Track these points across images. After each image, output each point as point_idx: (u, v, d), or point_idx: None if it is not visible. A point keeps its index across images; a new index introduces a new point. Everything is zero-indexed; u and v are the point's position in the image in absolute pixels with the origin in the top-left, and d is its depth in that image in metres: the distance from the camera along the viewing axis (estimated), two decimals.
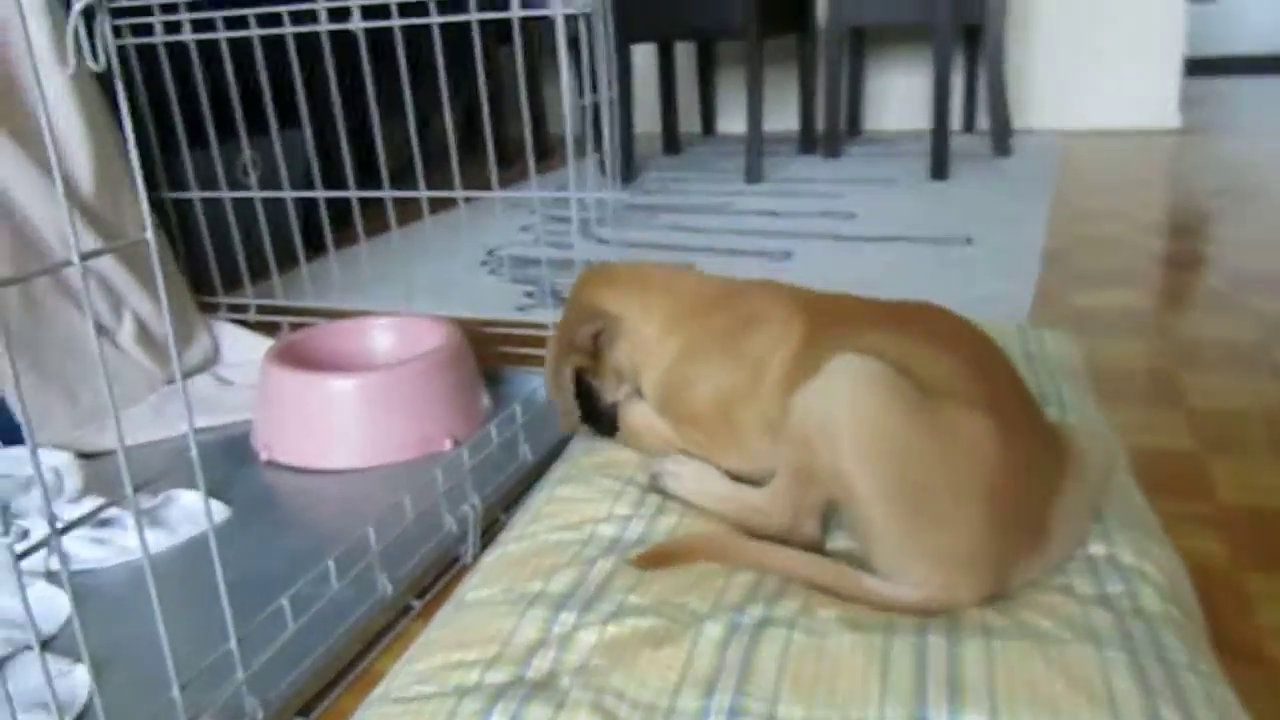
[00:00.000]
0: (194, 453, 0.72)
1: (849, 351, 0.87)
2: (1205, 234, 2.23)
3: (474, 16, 1.37)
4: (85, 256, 0.64)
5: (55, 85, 1.46)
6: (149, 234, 0.69)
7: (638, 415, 1.10)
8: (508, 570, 0.89)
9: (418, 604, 1.01)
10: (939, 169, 2.96)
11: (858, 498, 0.83)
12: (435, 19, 1.40)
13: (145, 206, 0.70)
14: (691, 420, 1.05)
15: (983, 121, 3.65)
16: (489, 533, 1.13)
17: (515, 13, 1.33)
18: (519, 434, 1.23)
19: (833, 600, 0.83)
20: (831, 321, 0.98)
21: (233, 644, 0.77)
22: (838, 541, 0.93)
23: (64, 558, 0.62)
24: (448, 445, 1.31)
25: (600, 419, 1.12)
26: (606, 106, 1.36)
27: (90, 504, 1.21)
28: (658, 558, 0.89)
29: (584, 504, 0.99)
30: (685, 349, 1.06)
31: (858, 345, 0.89)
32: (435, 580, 1.04)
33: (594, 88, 1.38)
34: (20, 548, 0.60)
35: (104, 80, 1.66)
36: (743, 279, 1.12)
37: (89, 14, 0.60)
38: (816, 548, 0.91)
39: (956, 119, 3.71)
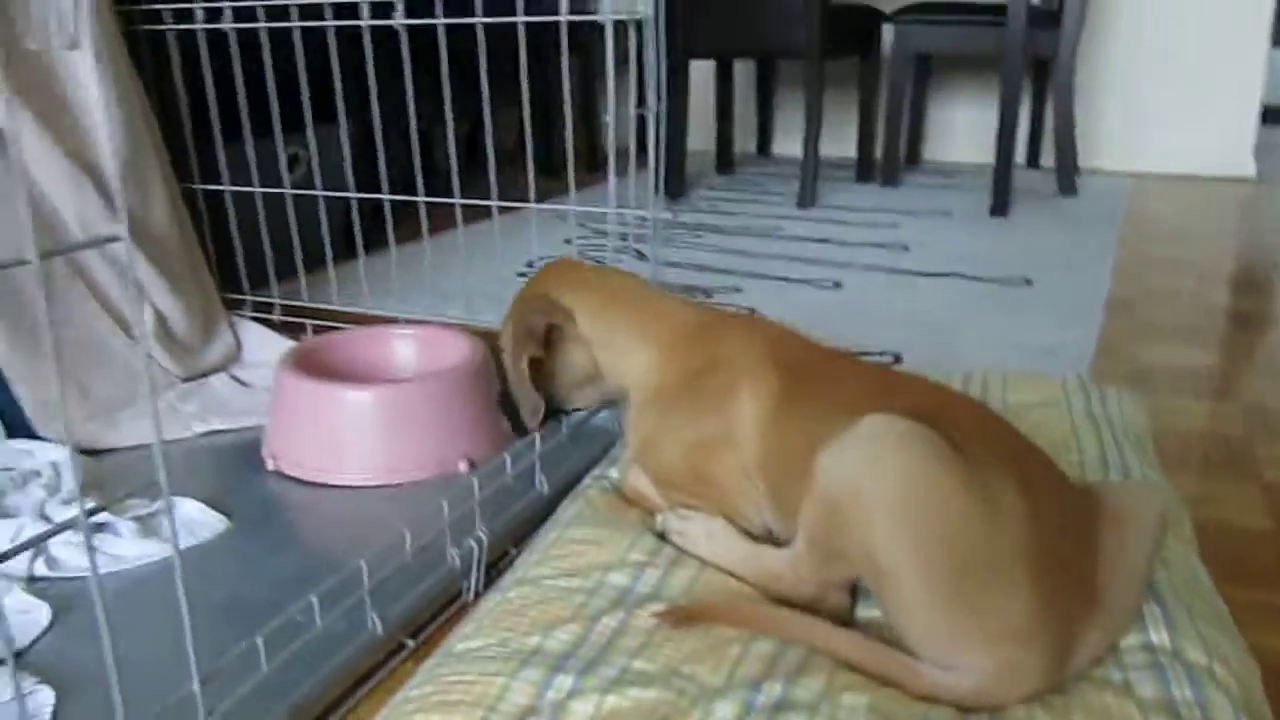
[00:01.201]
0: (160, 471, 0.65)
1: (878, 415, 0.79)
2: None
3: (520, 20, 1.31)
4: (106, 241, 0.57)
5: (89, 74, 1.42)
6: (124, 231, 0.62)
7: (632, 479, 1.05)
8: (504, 619, 0.82)
9: (411, 643, 0.94)
10: (1000, 205, 2.85)
11: (894, 574, 0.74)
12: (480, 19, 1.33)
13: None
14: (669, 483, 0.99)
15: (1047, 158, 3.53)
16: (496, 565, 1.05)
17: (564, 17, 1.27)
18: (536, 463, 1.16)
19: (862, 682, 0.74)
20: (810, 378, 0.92)
21: (195, 686, 0.70)
22: (870, 610, 0.85)
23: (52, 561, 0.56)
24: (463, 467, 1.24)
25: (522, 415, 1.09)
26: (653, 119, 1.28)
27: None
28: (678, 617, 0.81)
29: (595, 547, 0.92)
30: (654, 396, 1.02)
31: (845, 409, 0.83)
32: (433, 618, 0.97)
33: (643, 100, 1.30)
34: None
35: (140, 69, 1.62)
36: (717, 312, 1.07)
37: None
38: (844, 618, 0.83)
39: (1020, 153, 3.59)
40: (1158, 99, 3.54)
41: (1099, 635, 0.77)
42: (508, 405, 1.13)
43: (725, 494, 0.95)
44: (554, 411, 1.12)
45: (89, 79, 1.40)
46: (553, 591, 0.85)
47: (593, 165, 3.58)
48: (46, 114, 1.38)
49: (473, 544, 1.00)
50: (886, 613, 0.78)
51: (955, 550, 0.73)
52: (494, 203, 1.49)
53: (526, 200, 1.49)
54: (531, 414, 1.07)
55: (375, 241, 1.79)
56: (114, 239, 0.61)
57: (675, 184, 3.14)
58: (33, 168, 1.37)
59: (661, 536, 0.95)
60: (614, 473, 1.10)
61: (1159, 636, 0.79)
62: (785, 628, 0.80)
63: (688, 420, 0.97)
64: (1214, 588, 0.91)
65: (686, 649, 0.77)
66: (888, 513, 0.74)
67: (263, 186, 1.66)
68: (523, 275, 2.20)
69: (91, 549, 0.63)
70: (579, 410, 1.18)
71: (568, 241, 2.51)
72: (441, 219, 1.68)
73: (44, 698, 0.85)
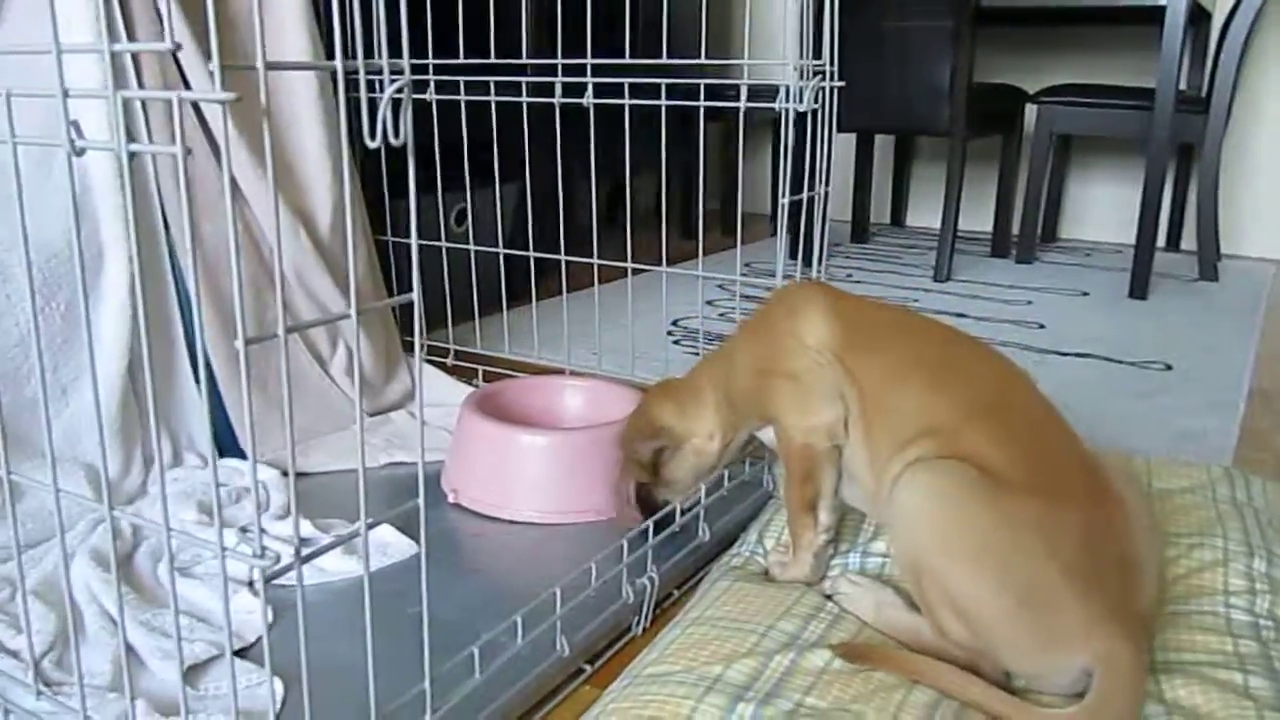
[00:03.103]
0: (420, 502, 0.77)
1: (909, 470, 0.93)
2: None
3: (702, 105, 1.43)
4: (360, 310, 0.70)
5: (314, 136, 1.58)
6: (416, 294, 0.74)
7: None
8: (688, 650, 0.91)
9: (589, 668, 1.03)
10: (1139, 287, 2.85)
11: (971, 614, 0.86)
12: (664, 102, 1.46)
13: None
14: (759, 399, 1.10)
15: (1188, 240, 3.51)
16: (661, 605, 1.15)
17: (743, 104, 1.38)
18: (701, 513, 1.25)
19: None
20: (876, 340, 1.06)
21: (426, 684, 0.81)
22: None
23: (302, 583, 0.67)
24: None
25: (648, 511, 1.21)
26: (820, 202, 1.38)
27: (299, 523, 1.29)
28: (855, 653, 0.90)
29: (762, 599, 1.00)
30: (726, 364, 1.16)
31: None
32: (607, 648, 1.07)
33: (808, 184, 1.40)
34: (270, 570, 0.65)
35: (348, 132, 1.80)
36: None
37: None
38: (1001, 683, 0.89)
39: (1160, 235, 3.58)
40: None
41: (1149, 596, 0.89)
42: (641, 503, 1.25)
43: (798, 379, 1.06)
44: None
45: (312, 127, 1.56)
46: (727, 630, 0.93)
47: (726, 231, 3.69)
48: (279, 175, 1.55)
49: (645, 583, 1.10)
50: (993, 651, 0.88)
51: (998, 563, 0.85)
52: (663, 269, 1.60)
53: (685, 259, 1.60)
54: (622, 519, 1.22)
55: (542, 292, 1.92)
56: (344, 316, 0.73)
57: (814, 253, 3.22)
58: (256, 212, 1.54)
59: (829, 598, 1.02)
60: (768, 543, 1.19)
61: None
62: (940, 679, 0.87)
63: (751, 343, 1.13)
64: None
65: (853, 691, 0.85)
66: (943, 556, 0.87)
67: (442, 237, 1.82)
68: (670, 334, 2.32)
69: (366, 556, 0.74)
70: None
71: (709, 303, 2.61)
72: (604, 273, 1.80)
73: (276, 688, 0.98)
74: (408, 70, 0.66)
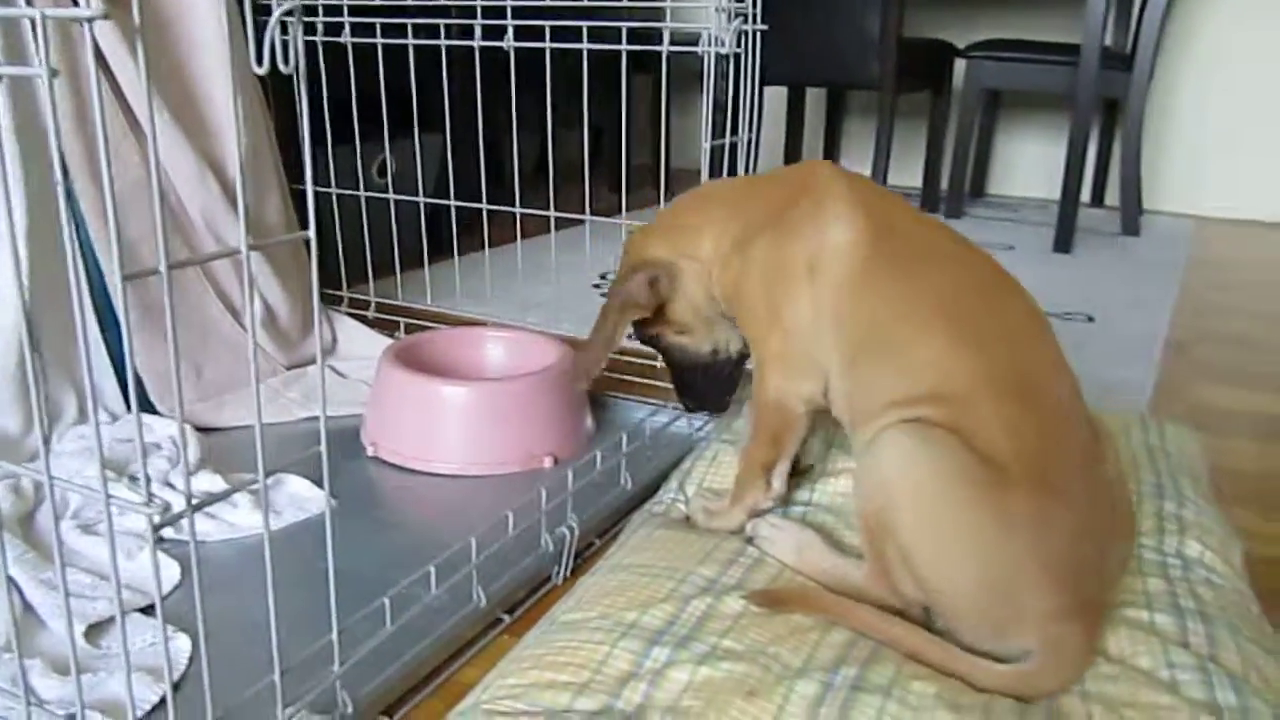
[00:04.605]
0: (324, 449, 0.74)
1: (899, 426, 0.87)
2: None
3: (624, 48, 1.40)
4: (252, 247, 0.66)
5: (219, 77, 1.52)
6: (310, 231, 0.71)
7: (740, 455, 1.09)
8: (604, 597, 0.89)
9: (507, 618, 1.02)
10: (1063, 241, 2.90)
11: (934, 585, 0.84)
12: (586, 45, 1.42)
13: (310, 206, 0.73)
14: (752, 320, 1.02)
15: (1112, 196, 3.56)
16: (581, 556, 1.13)
17: (665, 48, 1.35)
18: (621, 462, 1.24)
19: (928, 673, 0.81)
20: (901, 260, 0.94)
21: (334, 636, 0.79)
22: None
23: (194, 533, 0.65)
24: (548, 464, 1.32)
25: (705, 393, 1.12)
26: (744, 147, 1.36)
27: (206, 477, 1.25)
28: (769, 598, 0.89)
29: (682, 545, 0.99)
30: (732, 227, 1.04)
31: (926, 351, 0.89)
32: (526, 597, 1.05)
33: (731, 129, 1.38)
34: (158, 519, 0.62)
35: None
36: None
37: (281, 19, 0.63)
38: (927, 625, 0.89)
39: (1085, 191, 3.63)
40: (1224, 143, 3.55)
41: (1117, 565, 0.90)
42: (689, 391, 1.15)
43: (790, 339, 0.98)
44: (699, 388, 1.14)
45: (221, 75, 1.50)
46: (646, 576, 0.92)
47: (657, 183, 3.66)
48: (178, 108, 1.49)
49: (565, 532, 1.08)
50: (939, 615, 0.86)
51: (978, 558, 0.82)
52: (587, 217, 1.58)
53: (612, 212, 1.57)
54: (584, 374, 1.10)
55: (464, 246, 1.88)
56: (236, 252, 0.69)
57: None
58: (164, 160, 1.48)
59: (749, 541, 1.02)
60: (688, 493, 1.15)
61: (1198, 646, 0.85)
62: (860, 620, 0.87)
63: (769, 244, 0.99)
64: (1263, 617, 0.96)
65: (769, 633, 0.84)
66: (914, 530, 0.84)
67: (364, 185, 1.77)
68: (598, 286, 2.30)
69: (265, 508, 0.71)
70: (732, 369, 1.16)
71: None
72: (532, 226, 1.77)
73: (182, 644, 0.95)
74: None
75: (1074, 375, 0.91)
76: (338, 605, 0.81)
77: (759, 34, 1.28)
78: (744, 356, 1.13)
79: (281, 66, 0.63)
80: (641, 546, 0.99)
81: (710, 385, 1.12)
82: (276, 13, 0.61)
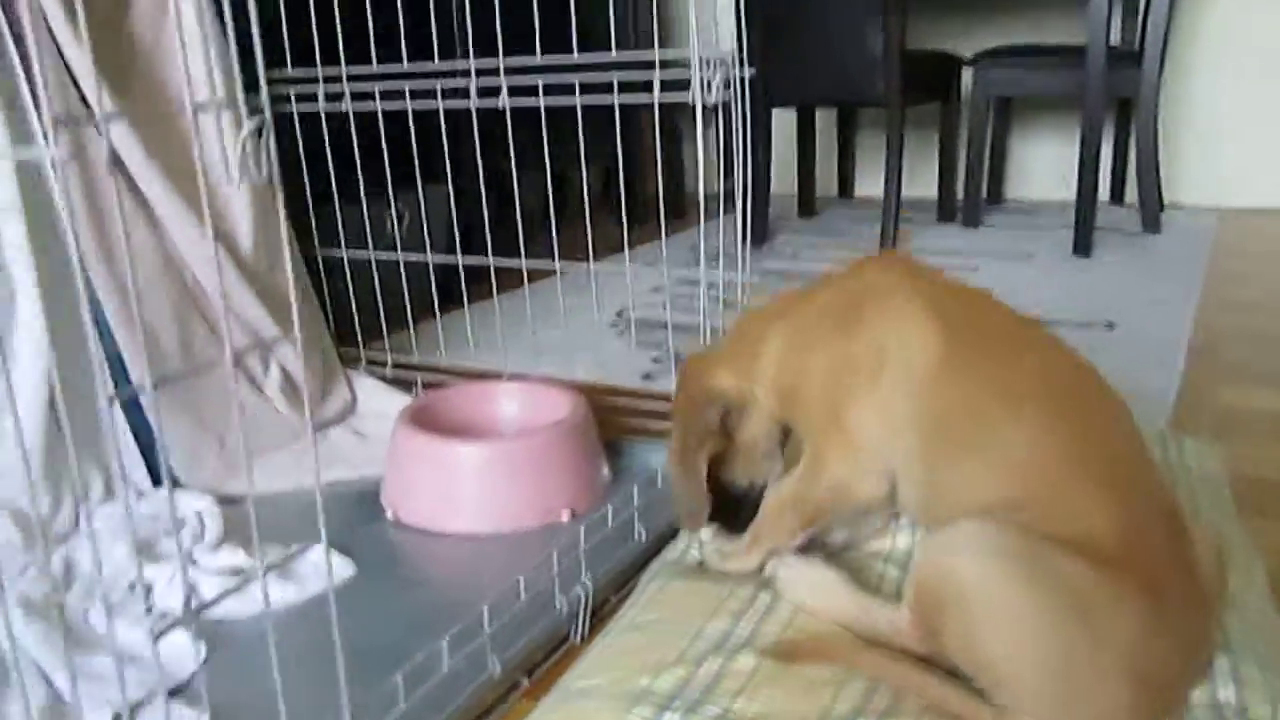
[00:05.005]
0: (320, 518, 0.76)
1: (973, 519, 0.83)
2: None
3: (616, 99, 1.41)
4: (237, 347, 0.68)
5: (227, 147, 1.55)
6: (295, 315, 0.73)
7: (771, 496, 1.05)
8: (616, 661, 0.90)
9: (526, 681, 1.03)
10: (1083, 245, 2.87)
11: (995, 675, 0.79)
12: (579, 99, 1.44)
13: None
14: (809, 420, 0.99)
15: (1132, 193, 3.53)
16: (599, 612, 1.14)
17: (656, 97, 1.37)
18: (635, 515, 1.25)
19: None
20: (977, 356, 0.91)
21: (346, 717, 0.80)
22: None
23: (197, 637, 0.66)
24: (566, 517, 1.33)
25: (735, 512, 1.09)
26: (739, 190, 1.37)
27: (229, 552, 1.28)
28: (785, 652, 0.89)
29: (694, 597, 1.00)
30: (793, 339, 1.00)
31: (1003, 444, 0.86)
32: (544, 659, 1.06)
33: (729, 171, 1.39)
34: (157, 629, 0.64)
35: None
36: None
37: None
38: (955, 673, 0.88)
39: (1103, 189, 3.59)
40: (1242, 133, 3.51)
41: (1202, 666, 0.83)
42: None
43: (852, 447, 0.94)
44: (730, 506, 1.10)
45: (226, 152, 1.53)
46: (657, 636, 0.93)
47: (679, 212, 3.67)
48: (187, 193, 1.52)
49: (579, 591, 1.09)
50: (995, 695, 0.81)
51: (1049, 659, 0.77)
52: (592, 265, 1.59)
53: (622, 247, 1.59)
54: (691, 517, 1.06)
55: (478, 293, 1.90)
56: (277, 340, 0.71)
57: (759, 231, 3.22)
58: (179, 242, 1.51)
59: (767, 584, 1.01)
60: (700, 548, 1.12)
61: (1225, 691, 0.84)
62: (882, 666, 0.86)
63: (829, 343, 0.96)
64: None
65: (783, 689, 0.84)
66: (985, 620, 0.79)
67: (373, 241, 1.79)
68: (614, 325, 2.31)
69: (266, 597, 0.73)
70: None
71: (655, 290, 2.60)
72: (539, 269, 1.78)
73: None
74: (267, 107, 0.64)
75: (1155, 464, 0.89)
76: (357, 678, 0.82)
77: (746, 81, 1.29)
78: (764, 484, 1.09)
79: (255, 179, 0.65)
80: (654, 602, 1.00)
81: (741, 514, 1.08)
82: (246, 127, 0.63)
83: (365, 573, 1.24)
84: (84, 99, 1.39)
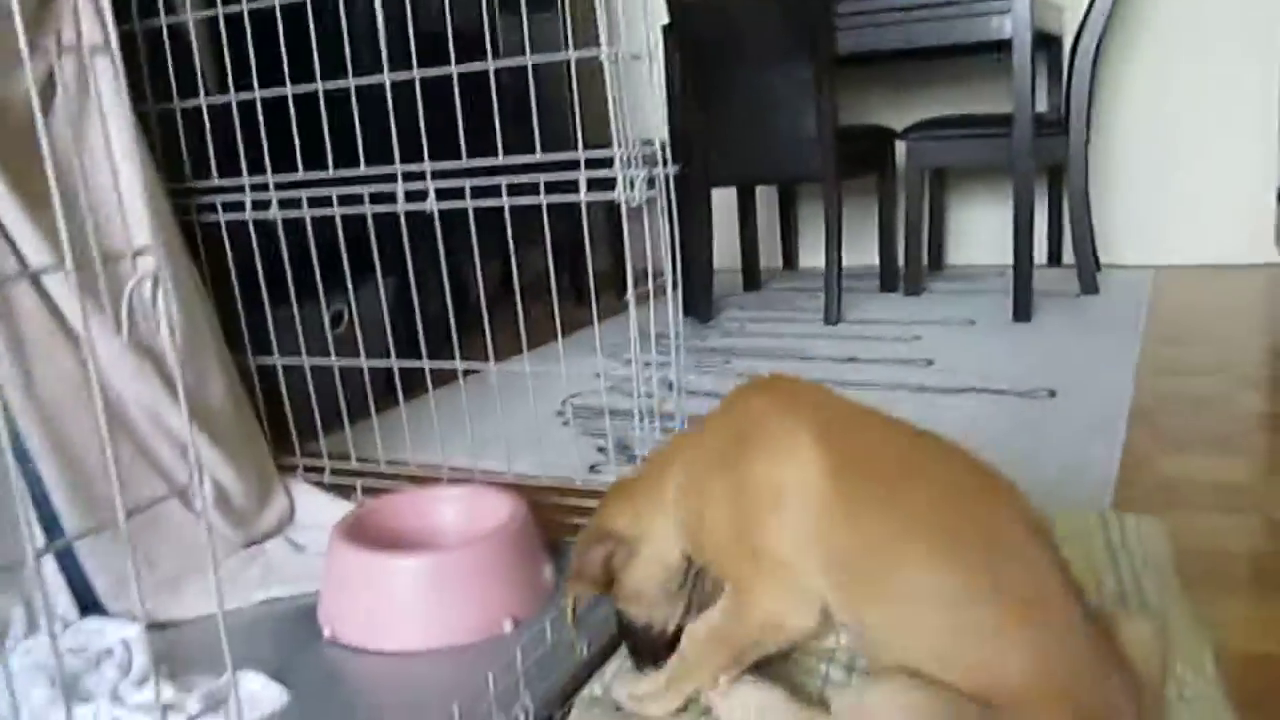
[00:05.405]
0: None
1: (894, 681, 0.81)
2: None
3: (543, 199, 1.41)
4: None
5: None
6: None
7: (691, 636, 1.02)
8: None
9: None
10: (1022, 310, 2.91)
11: None
12: (506, 200, 1.44)
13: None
14: (722, 555, 0.96)
15: (1069, 254, 3.60)
16: None
17: (583, 196, 1.37)
18: (575, 628, 1.21)
19: None
20: (864, 473, 0.89)
21: None
22: None
23: None
24: (508, 627, 1.30)
25: (640, 650, 1.07)
26: (669, 281, 1.37)
27: (153, 687, 1.22)
28: None
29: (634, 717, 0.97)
30: (689, 478, 0.99)
31: (907, 591, 0.83)
32: None
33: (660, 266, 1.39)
34: None
35: (193, 250, 1.75)
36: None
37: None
38: None
39: (1041, 252, 3.66)
40: (1174, 190, 3.60)
41: None
42: (627, 641, 1.12)
43: (782, 568, 0.91)
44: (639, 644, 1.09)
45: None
46: None
47: (621, 293, 3.68)
48: (109, 303, 1.49)
49: (520, 714, 1.06)
50: None
51: None
52: (527, 367, 1.58)
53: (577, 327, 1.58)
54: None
55: (415, 387, 1.87)
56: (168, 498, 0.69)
57: (704, 308, 3.23)
58: (100, 356, 1.47)
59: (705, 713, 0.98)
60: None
61: None
62: None
63: (727, 484, 0.94)
64: None
65: None
66: None
67: (308, 342, 1.77)
68: (560, 413, 2.29)
69: None
70: None
71: (597, 375, 2.59)
72: (478, 356, 1.76)
73: None
74: (160, 261, 0.62)
75: (1073, 577, 0.85)
76: None
77: (671, 179, 1.30)
78: (677, 636, 1.05)
79: (158, 335, 0.63)
80: None
81: (643, 648, 1.07)
82: (133, 280, 0.61)
83: (299, 700, 1.20)
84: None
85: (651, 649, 1.06)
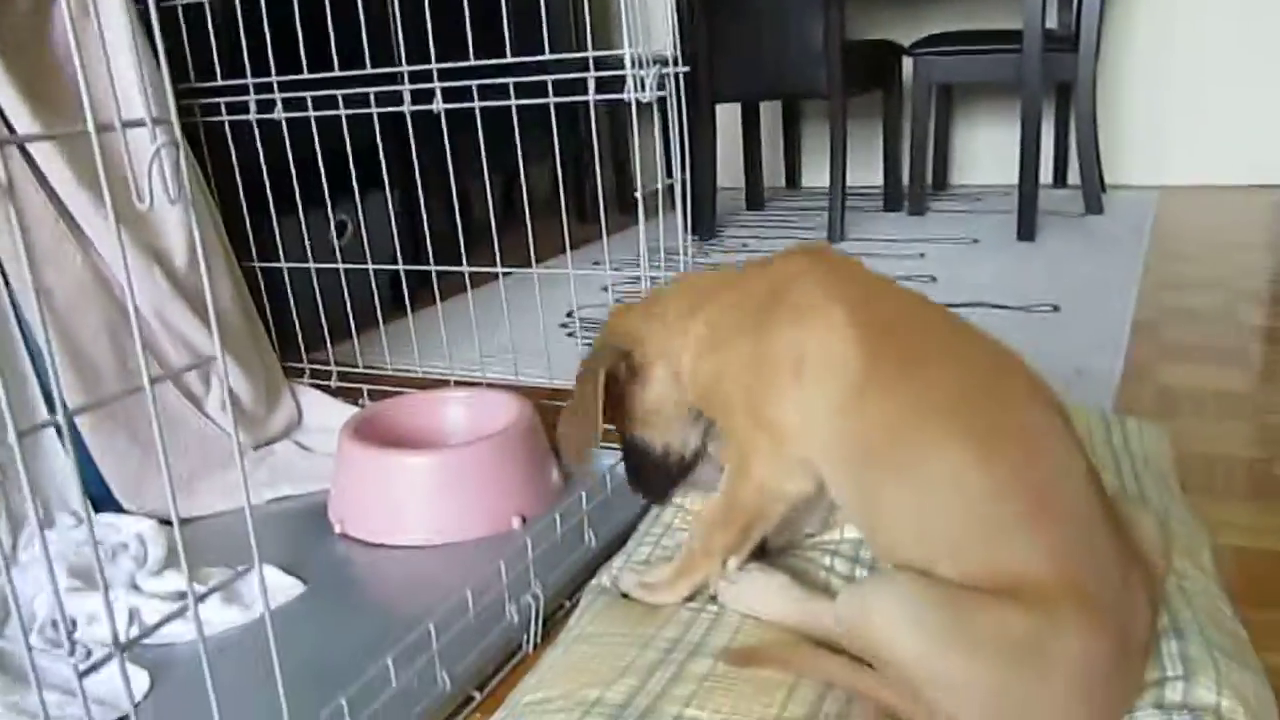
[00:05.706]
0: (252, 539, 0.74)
1: (896, 577, 0.81)
2: None
3: (551, 100, 1.40)
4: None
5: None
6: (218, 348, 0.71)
7: (699, 518, 1.05)
8: (566, 674, 0.89)
9: (479, 695, 1.01)
10: (1026, 229, 2.90)
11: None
12: (514, 101, 1.43)
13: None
14: (729, 417, 0.96)
15: (1074, 175, 3.57)
16: (552, 618, 1.13)
17: (591, 97, 1.35)
18: (584, 519, 1.24)
19: None
20: (895, 351, 0.87)
21: None
22: None
23: (127, 680, 0.64)
24: (515, 524, 1.32)
25: (652, 481, 1.08)
26: (679, 187, 1.37)
27: (173, 577, 1.25)
28: (743, 657, 0.88)
29: (643, 609, 0.99)
30: (711, 334, 0.98)
31: (929, 478, 0.82)
32: (496, 671, 1.05)
33: (667, 170, 1.39)
34: (83, 666, 0.62)
35: (198, 153, 1.74)
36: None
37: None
38: None
39: (1047, 172, 3.63)
40: (1179, 112, 3.56)
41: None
42: (634, 476, 1.11)
43: (774, 444, 0.91)
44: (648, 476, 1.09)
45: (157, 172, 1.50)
46: (606, 647, 0.92)
47: (625, 209, 3.66)
48: (118, 205, 1.48)
49: (530, 600, 1.08)
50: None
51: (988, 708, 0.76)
52: (534, 270, 1.58)
53: (573, 246, 1.58)
54: (577, 446, 1.04)
55: (423, 298, 1.87)
56: (210, 359, 0.69)
57: (707, 225, 3.22)
58: (103, 252, 1.47)
59: (711, 599, 1.00)
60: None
61: (1174, 676, 0.83)
62: (833, 673, 0.85)
63: (748, 345, 0.93)
64: (1235, 618, 0.96)
65: (734, 696, 0.84)
66: (917, 674, 0.77)
67: (314, 251, 1.77)
68: (564, 325, 2.30)
69: (201, 633, 0.71)
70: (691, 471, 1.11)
71: (604, 289, 2.59)
72: (486, 270, 1.76)
73: None
74: (177, 126, 0.62)
75: (1091, 463, 0.84)
76: (307, 699, 0.81)
77: (681, 77, 1.28)
78: (695, 461, 1.07)
79: (169, 201, 0.63)
80: (601, 615, 0.99)
81: (656, 478, 1.08)
82: (154, 146, 0.61)
83: (314, 590, 1.22)
84: (5, 120, 1.36)
85: (666, 478, 1.06)
